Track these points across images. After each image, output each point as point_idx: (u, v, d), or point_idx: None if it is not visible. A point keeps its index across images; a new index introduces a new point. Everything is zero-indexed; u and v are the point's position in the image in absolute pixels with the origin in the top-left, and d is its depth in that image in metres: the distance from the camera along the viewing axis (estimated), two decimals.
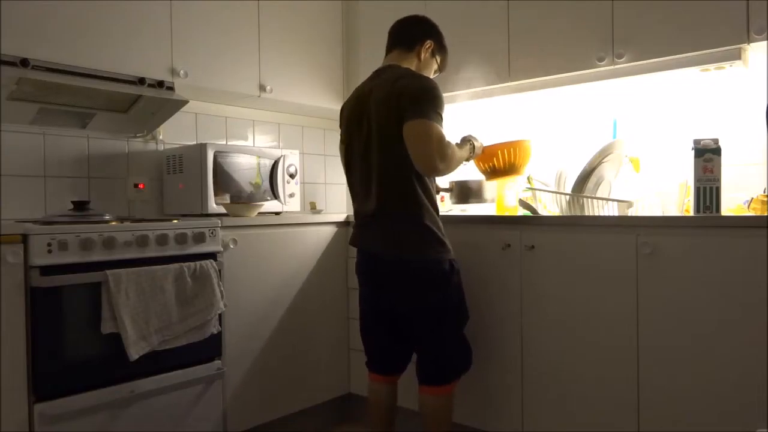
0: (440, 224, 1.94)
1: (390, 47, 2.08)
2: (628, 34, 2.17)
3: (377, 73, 2.02)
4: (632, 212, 2.14)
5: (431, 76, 2.09)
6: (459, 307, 2.00)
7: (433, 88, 1.88)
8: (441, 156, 1.84)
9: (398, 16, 2.81)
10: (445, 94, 2.68)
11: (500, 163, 2.21)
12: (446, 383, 1.98)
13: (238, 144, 2.93)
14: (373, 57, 2.96)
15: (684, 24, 2.06)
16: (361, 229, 2.03)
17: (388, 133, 1.88)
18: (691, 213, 1.93)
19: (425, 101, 1.84)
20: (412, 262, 1.89)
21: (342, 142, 2.09)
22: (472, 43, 2.59)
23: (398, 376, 2.10)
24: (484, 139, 2.29)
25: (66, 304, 1.81)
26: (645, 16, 2.13)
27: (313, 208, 3.11)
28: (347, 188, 3.44)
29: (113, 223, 1.99)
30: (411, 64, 2.04)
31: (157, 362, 1.99)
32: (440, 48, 2.12)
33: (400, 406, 2.15)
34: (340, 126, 2.12)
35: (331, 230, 2.66)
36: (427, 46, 2.06)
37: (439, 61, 2.13)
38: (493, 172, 2.27)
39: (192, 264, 2.06)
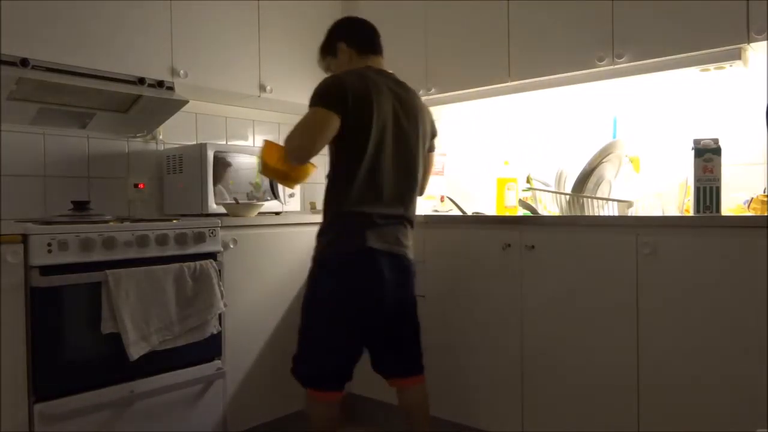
0: None
1: (375, 50, 2.01)
2: (628, 34, 2.17)
3: (380, 73, 1.94)
4: (632, 212, 2.15)
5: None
6: None
7: None
8: None
9: (398, 16, 2.83)
10: (446, 94, 2.73)
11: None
12: None
13: (238, 144, 2.93)
14: None
15: (684, 24, 2.06)
16: (386, 230, 1.85)
17: (423, 148, 2.02)
18: (691, 213, 1.93)
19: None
20: (412, 261, 1.98)
21: (338, 120, 1.78)
22: (472, 43, 2.59)
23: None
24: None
25: (66, 304, 1.81)
26: (645, 16, 2.13)
27: (313, 208, 3.10)
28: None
29: (113, 223, 1.99)
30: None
31: (157, 362, 1.99)
32: None
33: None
34: (341, 101, 1.77)
35: None
36: None
37: None
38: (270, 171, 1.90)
39: (192, 264, 2.07)
